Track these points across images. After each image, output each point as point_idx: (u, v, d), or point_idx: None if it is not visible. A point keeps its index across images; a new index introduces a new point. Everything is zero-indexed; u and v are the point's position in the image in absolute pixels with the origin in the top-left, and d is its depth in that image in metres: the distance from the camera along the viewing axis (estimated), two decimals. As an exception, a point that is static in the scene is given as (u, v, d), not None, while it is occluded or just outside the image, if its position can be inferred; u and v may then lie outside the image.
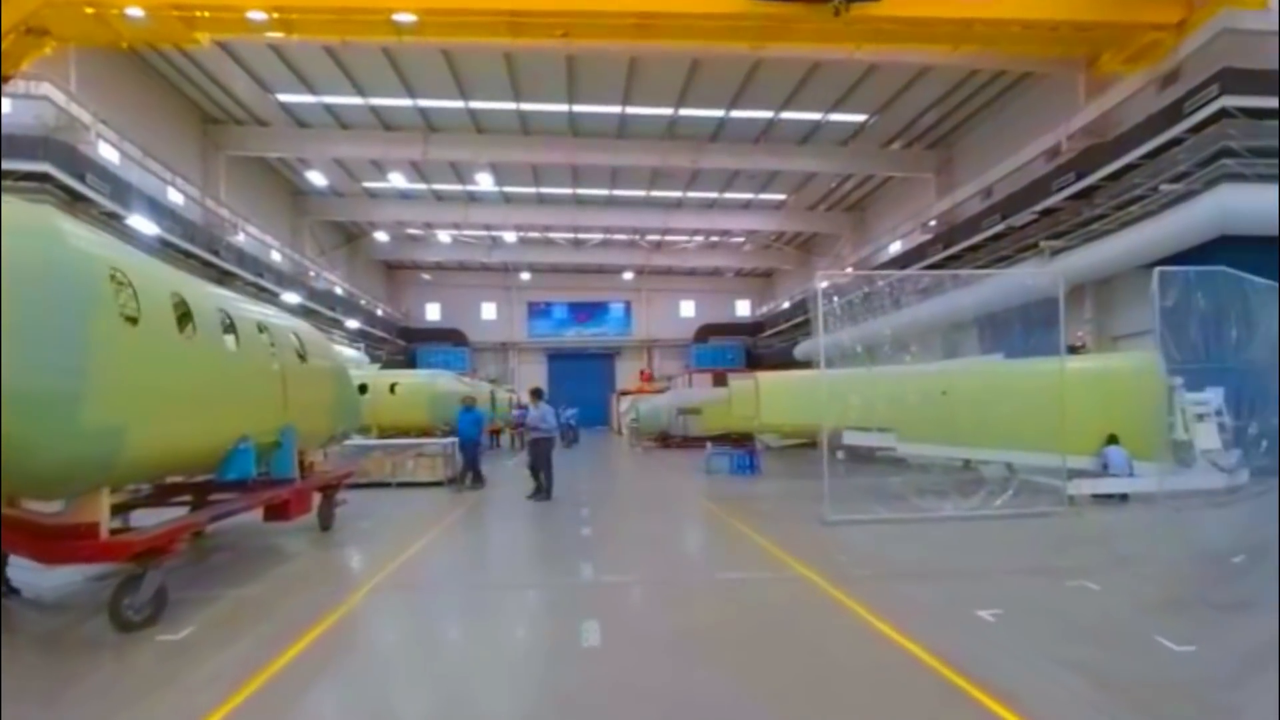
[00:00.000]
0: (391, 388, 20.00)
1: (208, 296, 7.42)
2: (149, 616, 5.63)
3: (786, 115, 26.64)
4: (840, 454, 11.68)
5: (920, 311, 10.78)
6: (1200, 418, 11.21)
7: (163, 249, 21.45)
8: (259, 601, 6.67)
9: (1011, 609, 5.94)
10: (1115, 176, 19.05)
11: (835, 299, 10.70)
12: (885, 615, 5.81)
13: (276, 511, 8.06)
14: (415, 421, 19.32)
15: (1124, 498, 11.23)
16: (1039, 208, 21.47)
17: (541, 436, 13.73)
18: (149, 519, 7.03)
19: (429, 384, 21.15)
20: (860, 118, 26.89)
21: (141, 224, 20.59)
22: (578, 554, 8.76)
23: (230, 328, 7.44)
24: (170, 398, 6.12)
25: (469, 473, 15.20)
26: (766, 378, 14.63)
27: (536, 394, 14.48)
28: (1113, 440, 11.71)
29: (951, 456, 12.11)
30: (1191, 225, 15.69)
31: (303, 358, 9.23)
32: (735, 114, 26.57)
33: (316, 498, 9.62)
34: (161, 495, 7.84)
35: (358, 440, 15.04)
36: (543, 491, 13.48)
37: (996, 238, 23.42)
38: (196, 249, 23.39)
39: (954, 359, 13.02)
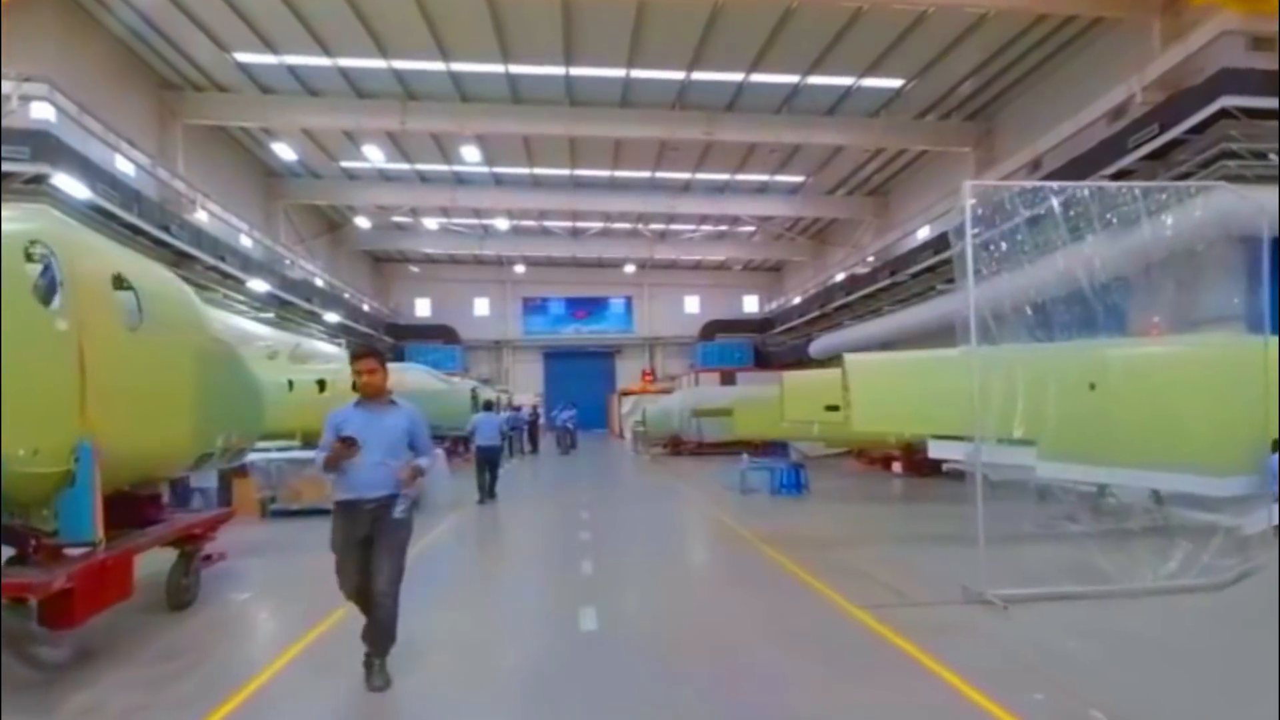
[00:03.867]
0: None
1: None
2: None
3: (814, 80, 23.61)
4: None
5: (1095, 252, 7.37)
6: None
7: (102, 220, 18.49)
8: None
9: None
10: (1201, 129, 16.16)
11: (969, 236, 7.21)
12: None
13: (51, 614, 4.76)
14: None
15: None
16: (1109, 171, 18.45)
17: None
18: None
19: (399, 380, 17.94)
20: (895, 83, 23.88)
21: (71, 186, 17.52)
22: (581, 691, 5.05)
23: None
24: None
25: (490, 484, 15.03)
26: (864, 361, 10.58)
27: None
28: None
29: (1109, 481, 8.78)
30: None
31: (139, 324, 5.87)
32: (755, 78, 23.53)
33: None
34: None
35: (288, 452, 11.95)
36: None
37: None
38: (142, 222, 20.22)
39: (1106, 332, 9.28)
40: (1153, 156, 17.44)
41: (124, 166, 21.81)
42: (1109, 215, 7.41)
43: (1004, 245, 7.34)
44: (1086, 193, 7.89)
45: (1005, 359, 7.20)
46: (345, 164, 31.63)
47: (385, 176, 33.00)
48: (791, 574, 8.40)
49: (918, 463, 16.11)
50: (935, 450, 9.19)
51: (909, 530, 11.11)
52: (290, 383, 17.73)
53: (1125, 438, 7.83)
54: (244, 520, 11.18)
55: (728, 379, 38.70)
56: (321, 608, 6.54)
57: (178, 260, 22.51)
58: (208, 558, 7.13)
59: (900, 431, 10.66)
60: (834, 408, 11.23)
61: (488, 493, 15.17)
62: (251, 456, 11.18)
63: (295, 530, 10.97)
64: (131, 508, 6.32)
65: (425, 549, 10.19)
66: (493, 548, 11.14)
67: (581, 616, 6.75)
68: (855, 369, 10.27)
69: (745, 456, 15.82)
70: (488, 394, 27.82)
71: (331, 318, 33.63)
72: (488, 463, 15.27)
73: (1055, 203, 7.40)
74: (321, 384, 17.56)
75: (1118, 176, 18.41)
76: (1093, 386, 7.95)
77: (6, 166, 16.22)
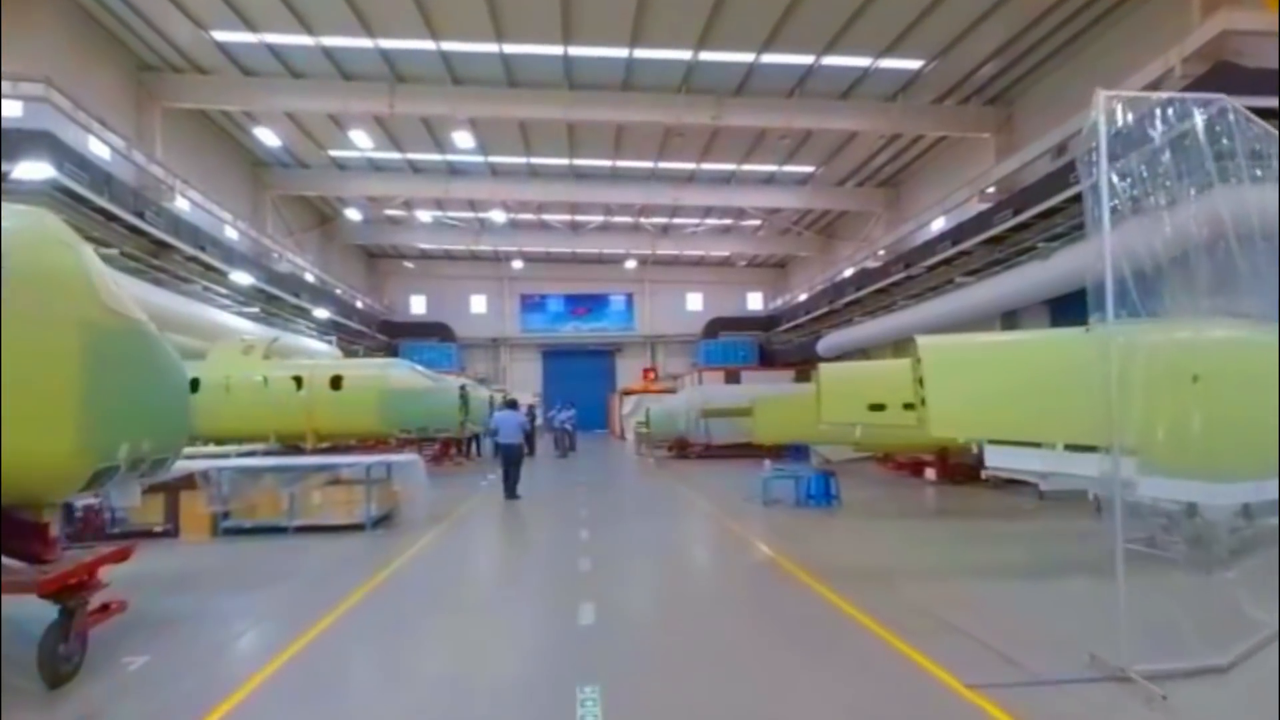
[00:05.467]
0: (335, 382, 15.52)
1: None
2: None
3: (829, 61, 22.24)
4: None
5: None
6: None
7: (68, 203, 17.16)
8: None
9: None
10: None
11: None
12: None
13: None
14: (362, 426, 14.89)
15: None
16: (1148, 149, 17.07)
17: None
18: None
19: (379, 377, 16.65)
20: (914, 64, 22.53)
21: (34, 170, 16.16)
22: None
23: None
24: None
25: (512, 484, 14.81)
26: (945, 347, 8.19)
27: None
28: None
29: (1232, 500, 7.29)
30: None
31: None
32: (767, 59, 22.15)
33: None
34: None
35: (244, 459, 10.58)
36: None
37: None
38: (114, 206, 18.79)
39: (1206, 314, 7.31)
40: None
41: (99, 150, 20.46)
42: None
43: (1142, 178, 5.53)
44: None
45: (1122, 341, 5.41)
46: (334, 153, 30.26)
47: (376, 166, 31.62)
48: (860, 627, 6.61)
49: (952, 468, 14.79)
50: (1000, 459, 7.72)
51: (977, 557, 9.47)
52: (265, 379, 16.52)
53: (1231, 445, 6.44)
54: (190, 541, 9.87)
55: (732, 378, 37.51)
56: (224, 681, 5.23)
57: (156, 250, 21.23)
58: (104, 608, 5.63)
59: (999, 438, 7.57)
60: (879, 406, 9.69)
61: (510, 492, 15.15)
62: (202, 465, 9.83)
63: (244, 554, 9.64)
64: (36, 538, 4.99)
65: (395, 573, 8.81)
66: (465, 584, 8.79)
67: (580, 712, 4.78)
68: (933, 356, 7.78)
69: (767, 463, 14.16)
70: (480, 392, 26.57)
71: (321, 314, 32.25)
72: (509, 461, 15.24)
73: (1198, 121, 5.67)
74: (299, 380, 16.34)
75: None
76: (1196, 379, 6.48)
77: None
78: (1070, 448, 6.81)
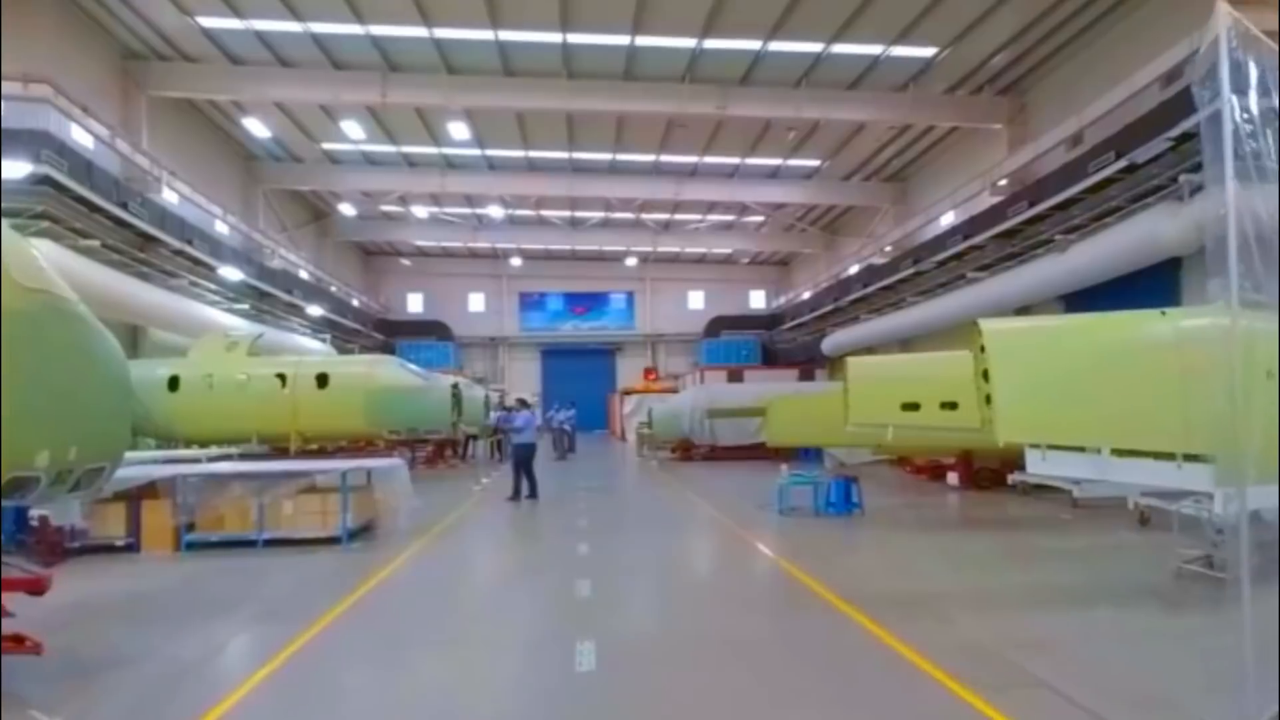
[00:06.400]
0: (321, 380, 14.70)
1: None
2: None
3: (838, 49, 21.44)
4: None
5: None
6: None
7: (52, 191, 16.42)
8: None
9: None
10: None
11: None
12: None
13: None
14: (348, 427, 14.07)
15: None
16: (1173, 134, 16.26)
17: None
18: None
19: (366, 375, 15.83)
20: (927, 52, 21.74)
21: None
22: None
23: None
24: None
25: (529, 485, 14.71)
26: (1014, 331, 7.12)
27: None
28: None
29: None
30: None
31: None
32: (775, 46, 21.34)
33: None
34: None
35: (211, 464, 9.75)
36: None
37: (1104, 184, 18.23)
38: (95, 195, 17.94)
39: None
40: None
41: (81, 138, 19.68)
42: None
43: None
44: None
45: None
46: (327, 146, 29.47)
47: (369, 160, 30.84)
48: (919, 674, 5.43)
49: (977, 473, 13.93)
50: (1043, 465, 6.89)
51: (1028, 580, 8.32)
52: (247, 377, 15.72)
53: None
54: (152, 556, 9.02)
55: (735, 377, 36.77)
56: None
57: (142, 244, 20.44)
58: (18, 640, 4.75)
59: (1094, 445, 6.37)
60: (912, 406, 8.72)
61: (529, 493, 14.87)
62: (166, 471, 9.01)
63: (206, 573, 8.59)
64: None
65: (362, 601, 7.95)
66: (442, 615, 7.41)
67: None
68: (1001, 343, 6.47)
69: (784, 468, 13.01)
70: (476, 391, 25.84)
71: (315, 311, 31.44)
72: (522, 462, 14.95)
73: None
74: (283, 378, 15.55)
75: (1181, 141, 16.39)
76: (1270, 374, 5.65)
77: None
78: (1189, 458, 5.80)
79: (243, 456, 12.32)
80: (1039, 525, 11.09)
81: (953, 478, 15.11)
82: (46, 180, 16.51)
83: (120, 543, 9.31)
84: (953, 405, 8.23)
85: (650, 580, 8.97)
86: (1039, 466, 6.95)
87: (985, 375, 6.78)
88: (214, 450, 12.28)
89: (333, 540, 9.65)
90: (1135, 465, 6.88)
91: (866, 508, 12.24)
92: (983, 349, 6.83)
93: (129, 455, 11.01)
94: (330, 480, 9.54)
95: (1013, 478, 12.39)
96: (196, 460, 10.72)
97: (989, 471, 13.89)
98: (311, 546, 9.50)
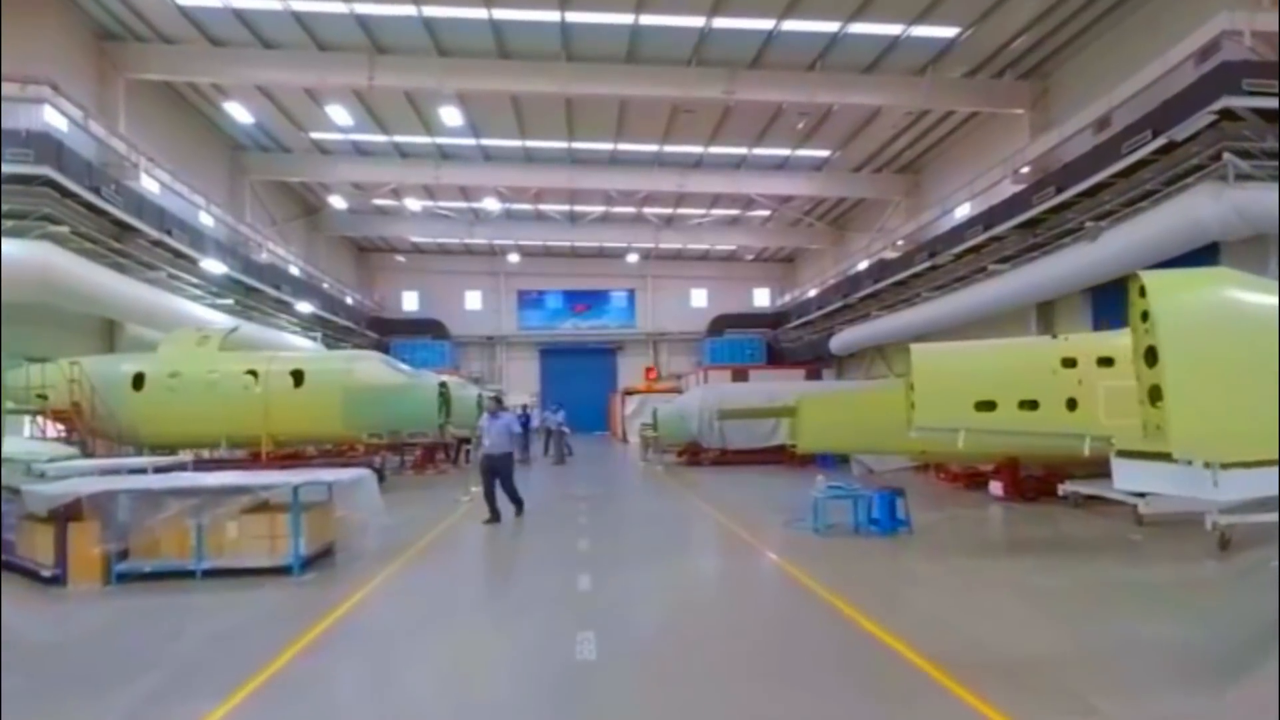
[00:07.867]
0: (297, 377, 13.44)
1: None
2: None
3: (855, 29, 20.24)
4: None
5: None
6: None
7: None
8: None
9: None
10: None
11: None
12: None
13: None
14: (324, 428, 12.82)
15: None
16: (1215, 108, 15.01)
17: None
18: None
19: (343, 372, 14.51)
20: (949, 32, 20.54)
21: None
22: None
23: None
24: None
25: (517, 502, 12.57)
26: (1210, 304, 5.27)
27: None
28: None
29: None
30: None
31: None
32: (788, 26, 20.12)
33: None
34: None
35: (152, 477, 8.48)
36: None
37: (1138, 166, 17.03)
38: (64, 178, 16.65)
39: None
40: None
41: (55, 120, 18.48)
42: None
43: None
44: None
45: None
46: (315, 135, 28.29)
47: (360, 150, 29.66)
48: None
49: (1022, 483, 12.60)
50: (1130, 479, 5.67)
51: (1140, 633, 6.17)
52: (217, 374, 14.48)
53: None
54: (78, 589, 7.61)
55: (740, 376, 35.55)
56: None
57: (117, 233, 19.21)
58: None
59: None
60: (988, 405, 7.20)
61: (517, 510, 12.72)
62: (95, 486, 7.72)
63: (132, 613, 7.05)
64: None
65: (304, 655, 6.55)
66: (404, 677, 5.47)
67: None
68: (1168, 310, 4.92)
69: (820, 479, 11.11)
70: (468, 391, 24.68)
71: (305, 308, 30.20)
72: (494, 473, 12.40)
73: None
74: (255, 375, 14.30)
75: (1224, 117, 15.19)
76: None
77: None
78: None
79: (199, 465, 11.05)
80: (1110, 548, 9.44)
81: (995, 487, 13.51)
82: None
83: (47, 573, 7.80)
84: (1033, 404, 6.84)
85: (667, 635, 6.69)
86: (1130, 483, 5.72)
87: (1148, 358, 5.03)
88: (165, 459, 11.00)
89: (282, 570, 8.06)
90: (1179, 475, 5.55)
91: (914, 524, 10.60)
92: (1144, 318, 5.01)
93: (64, 466, 9.82)
94: (282, 497, 7.98)
95: (1063, 488, 11.11)
96: (141, 471, 9.40)
97: (1035, 480, 12.58)
98: (258, 577, 7.91)
